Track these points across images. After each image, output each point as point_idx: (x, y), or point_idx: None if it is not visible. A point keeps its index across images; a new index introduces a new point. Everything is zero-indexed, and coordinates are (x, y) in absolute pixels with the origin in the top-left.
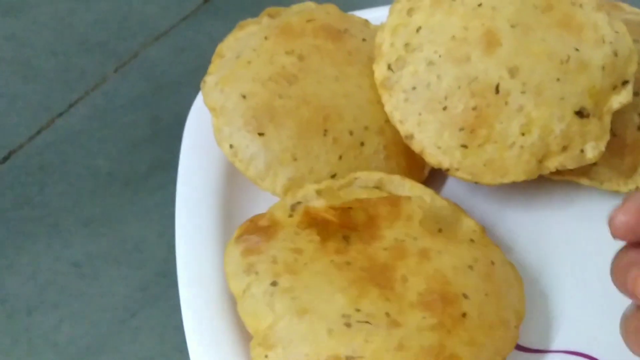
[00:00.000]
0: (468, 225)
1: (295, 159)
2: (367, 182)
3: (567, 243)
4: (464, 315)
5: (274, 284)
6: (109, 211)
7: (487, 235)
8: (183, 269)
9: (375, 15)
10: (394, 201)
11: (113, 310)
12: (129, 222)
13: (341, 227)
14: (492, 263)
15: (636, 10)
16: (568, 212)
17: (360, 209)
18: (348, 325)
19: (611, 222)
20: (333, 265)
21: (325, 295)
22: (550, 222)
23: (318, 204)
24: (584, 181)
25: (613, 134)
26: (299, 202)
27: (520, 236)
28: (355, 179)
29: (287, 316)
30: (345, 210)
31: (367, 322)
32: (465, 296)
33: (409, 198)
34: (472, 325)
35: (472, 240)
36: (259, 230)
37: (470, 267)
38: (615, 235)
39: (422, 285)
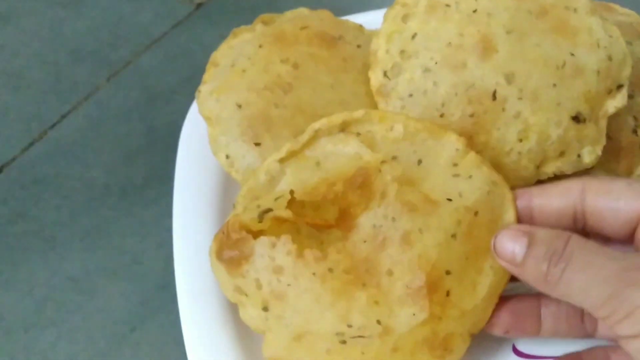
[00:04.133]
0: (449, 142)
1: None
2: (330, 130)
3: None
4: (447, 293)
5: (265, 309)
6: (106, 224)
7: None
8: (182, 282)
9: (369, 18)
10: (364, 180)
11: (112, 326)
12: (126, 235)
13: (314, 227)
14: (476, 213)
15: (627, 11)
16: None
17: (330, 203)
18: (343, 342)
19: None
20: (316, 278)
21: (316, 316)
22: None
23: (285, 214)
24: None
25: (608, 137)
26: (266, 210)
27: None
28: (317, 130)
29: (286, 341)
30: (315, 211)
31: (360, 336)
32: (447, 272)
33: (379, 170)
34: (456, 298)
35: (455, 165)
36: (234, 245)
37: (454, 235)
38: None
39: (408, 276)
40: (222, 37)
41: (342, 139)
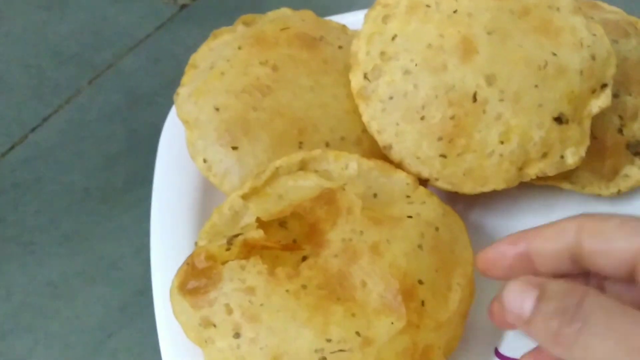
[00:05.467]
0: (400, 179)
1: None
2: (290, 167)
3: None
4: (422, 303)
5: (236, 335)
6: (85, 228)
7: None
8: (159, 287)
9: (353, 19)
10: (330, 197)
11: (90, 332)
12: (105, 239)
13: (284, 250)
14: (436, 229)
15: (615, 9)
16: (550, 217)
17: (297, 218)
18: (324, 359)
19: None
20: (289, 295)
21: (293, 334)
22: (532, 226)
23: (257, 234)
24: (566, 185)
25: (593, 136)
26: (236, 235)
27: None
28: (277, 167)
29: None
30: (283, 229)
31: (340, 350)
32: (420, 282)
33: (342, 189)
34: (431, 309)
35: (408, 197)
36: (200, 274)
37: (420, 246)
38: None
39: (381, 285)
40: (206, 39)
41: (302, 176)
